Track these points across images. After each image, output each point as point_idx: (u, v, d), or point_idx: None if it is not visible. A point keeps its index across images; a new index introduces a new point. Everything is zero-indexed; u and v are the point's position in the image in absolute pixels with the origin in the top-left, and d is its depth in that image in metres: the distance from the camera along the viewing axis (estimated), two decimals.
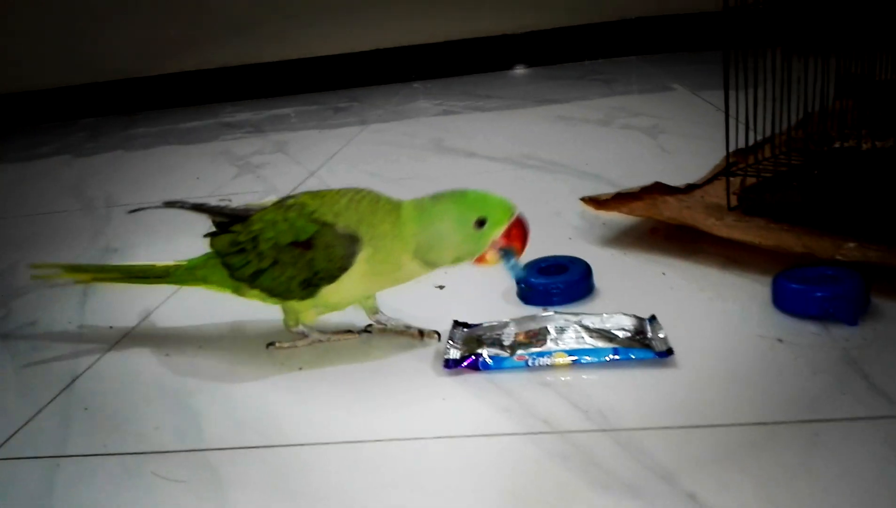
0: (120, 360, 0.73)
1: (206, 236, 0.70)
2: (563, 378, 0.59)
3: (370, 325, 0.71)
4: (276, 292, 0.66)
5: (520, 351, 0.61)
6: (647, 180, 1.12)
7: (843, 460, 0.46)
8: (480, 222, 0.62)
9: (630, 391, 0.57)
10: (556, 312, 0.66)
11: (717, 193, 0.95)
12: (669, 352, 0.59)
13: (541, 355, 0.61)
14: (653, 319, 0.65)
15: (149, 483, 0.53)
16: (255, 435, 0.57)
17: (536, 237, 0.80)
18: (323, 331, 0.70)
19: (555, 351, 0.61)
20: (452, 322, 0.68)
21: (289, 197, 0.68)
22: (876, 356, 0.57)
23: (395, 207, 0.64)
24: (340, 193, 0.65)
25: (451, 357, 0.62)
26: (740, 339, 0.62)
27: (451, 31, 2.52)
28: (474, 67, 2.53)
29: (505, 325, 0.66)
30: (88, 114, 2.62)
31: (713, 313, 0.67)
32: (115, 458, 0.56)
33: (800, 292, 0.63)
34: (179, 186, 1.43)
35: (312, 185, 1.32)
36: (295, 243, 0.63)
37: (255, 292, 0.67)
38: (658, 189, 0.93)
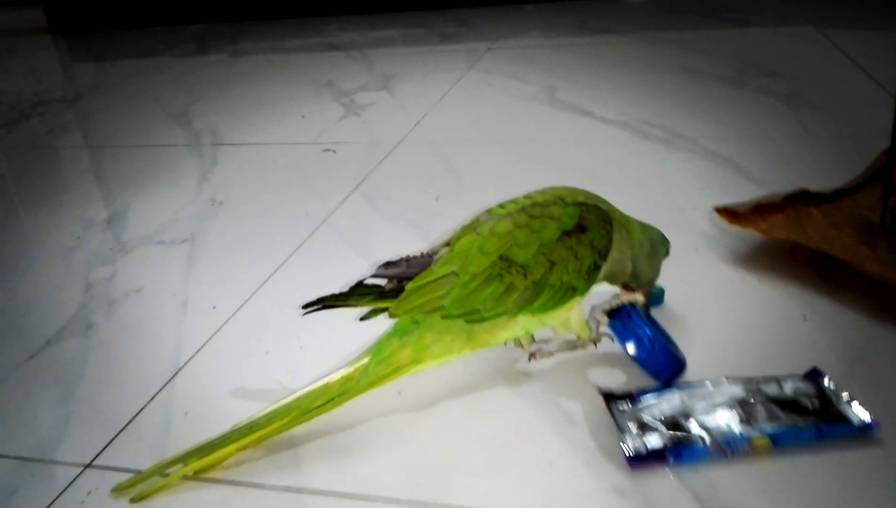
0: (222, 352, 0.72)
1: (387, 310, 0.59)
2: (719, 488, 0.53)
3: (532, 356, 0.65)
4: (557, 300, 0.59)
5: (716, 437, 0.52)
6: (786, 170, 1.02)
7: None
8: (667, 252, 0.68)
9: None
10: (727, 378, 0.58)
11: (869, 202, 0.85)
12: (873, 424, 0.53)
13: (736, 440, 0.52)
14: (817, 374, 0.58)
15: None
16: (352, 483, 0.55)
17: None
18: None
19: (752, 434, 0.52)
20: (603, 396, 0.59)
21: (478, 219, 0.62)
22: None
23: (621, 212, 0.65)
24: (548, 189, 0.64)
25: (635, 453, 0.52)
26: None
27: None
28: None
29: (670, 396, 0.57)
30: (196, 20, 2.61)
31: (864, 384, 0.59)
32: (208, 486, 0.56)
33: None
34: (284, 125, 1.41)
35: (416, 138, 1.26)
36: (567, 233, 0.59)
37: (522, 318, 0.60)
38: (802, 198, 0.83)
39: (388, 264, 0.61)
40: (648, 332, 0.61)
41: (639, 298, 0.64)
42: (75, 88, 1.97)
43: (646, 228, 0.66)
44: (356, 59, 1.87)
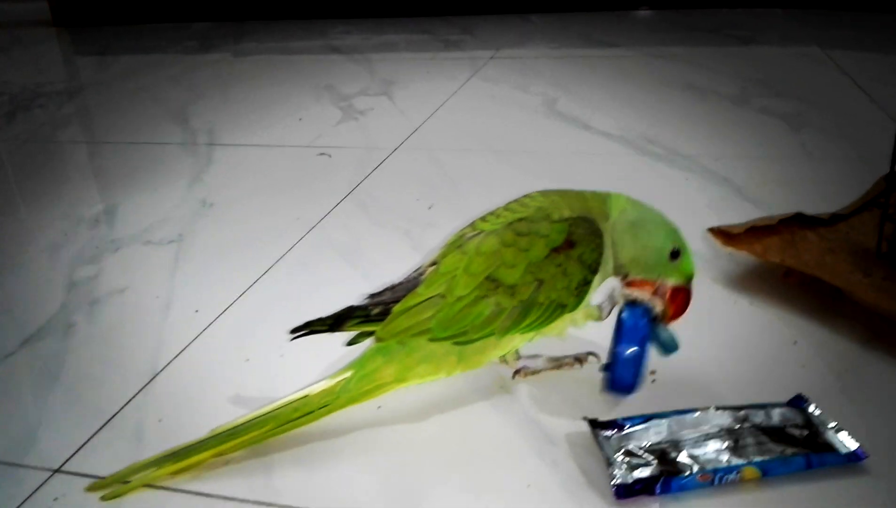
0: (201, 357, 0.71)
1: (374, 334, 0.58)
2: None
3: (516, 373, 0.64)
4: (546, 318, 0.58)
5: (705, 467, 0.51)
6: (785, 192, 1.01)
7: None
8: (675, 254, 0.59)
9: None
10: (716, 407, 0.56)
11: (865, 228, 0.84)
12: (861, 453, 0.52)
13: (727, 470, 0.51)
14: (802, 401, 0.57)
15: None
16: (324, 498, 0.54)
17: None
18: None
19: (741, 465, 0.51)
20: (588, 423, 0.56)
21: (462, 235, 0.60)
22: None
23: (603, 195, 0.61)
24: (534, 196, 0.61)
25: (622, 483, 0.51)
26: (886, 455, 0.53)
27: None
28: (595, 3, 2.35)
29: (658, 424, 0.55)
30: (201, 18, 2.61)
31: (853, 412, 0.58)
32: (175, 496, 0.54)
33: None
34: (281, 127, 1.39)
35: (413, 145, 1.25)
36: (555, 250, 0.57)
37: (512, 337, 0.58)
38: (798, 220, 0.82)
39: (373, 296, 0.60)
40: (645, 335, 0.59)
41: (658, 304, 0.60)
42: (77, 82, 1.97)
43: (647, 213, 0.61)
44: (358, 63, 1.86)
